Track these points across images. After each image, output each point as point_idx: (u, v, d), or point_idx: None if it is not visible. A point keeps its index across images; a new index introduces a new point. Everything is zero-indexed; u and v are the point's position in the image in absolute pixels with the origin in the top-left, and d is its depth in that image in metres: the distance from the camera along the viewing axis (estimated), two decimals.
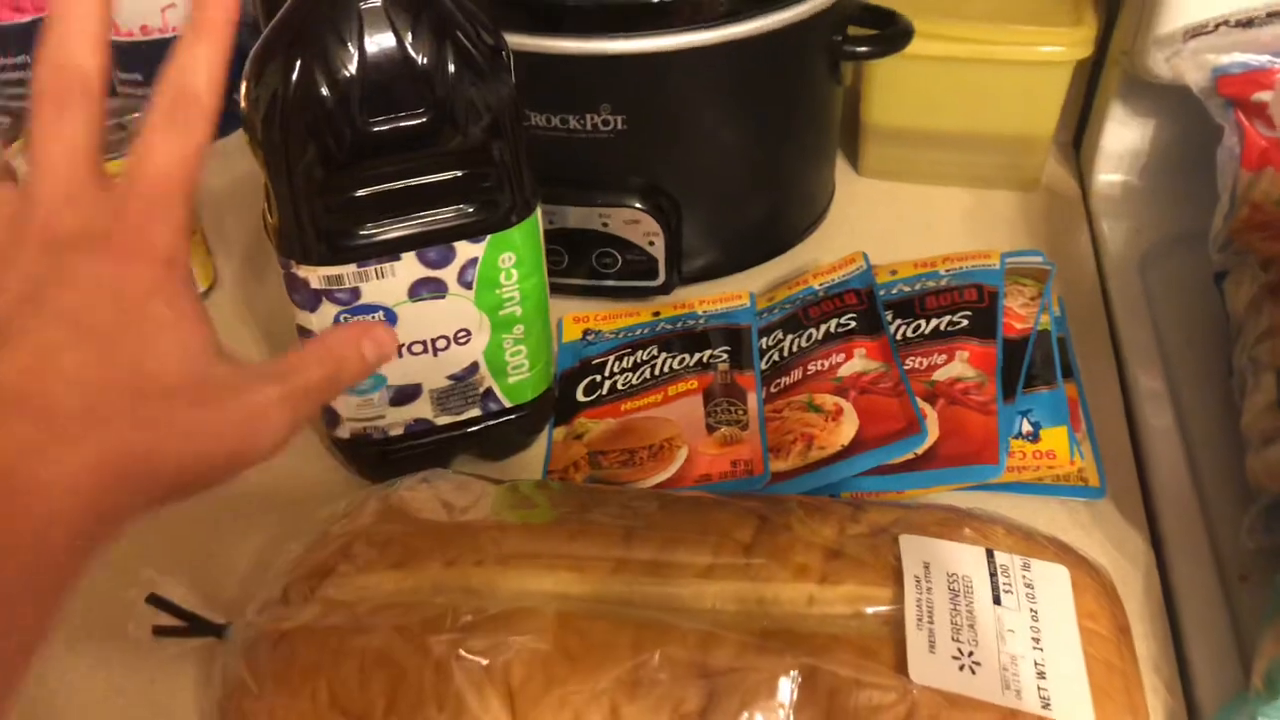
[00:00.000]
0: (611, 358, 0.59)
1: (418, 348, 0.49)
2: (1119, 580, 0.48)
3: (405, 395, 0.51)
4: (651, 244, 0.60)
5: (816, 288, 0.61)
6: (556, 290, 0.63)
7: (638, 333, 0.61)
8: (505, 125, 0.46)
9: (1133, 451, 0.56)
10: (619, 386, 0.57)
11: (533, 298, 0.51)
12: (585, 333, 0.62)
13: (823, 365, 0.55)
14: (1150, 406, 0.57)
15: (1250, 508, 0.49)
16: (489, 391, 0.52)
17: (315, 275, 0.46)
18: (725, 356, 0.58)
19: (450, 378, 0.51)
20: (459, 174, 0.46)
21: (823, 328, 0.57)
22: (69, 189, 0.31)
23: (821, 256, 0.67)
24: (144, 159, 0.31)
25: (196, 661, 0.44)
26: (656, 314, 0.62)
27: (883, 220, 0.71)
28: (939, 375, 0.53)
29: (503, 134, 0.46)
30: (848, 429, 0.51)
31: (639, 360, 0.58)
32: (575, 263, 0.62)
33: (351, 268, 0.46)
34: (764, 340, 0.59)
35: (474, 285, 0.48)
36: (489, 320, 0.50)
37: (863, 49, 0.62)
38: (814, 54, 0.60)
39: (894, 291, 0.60)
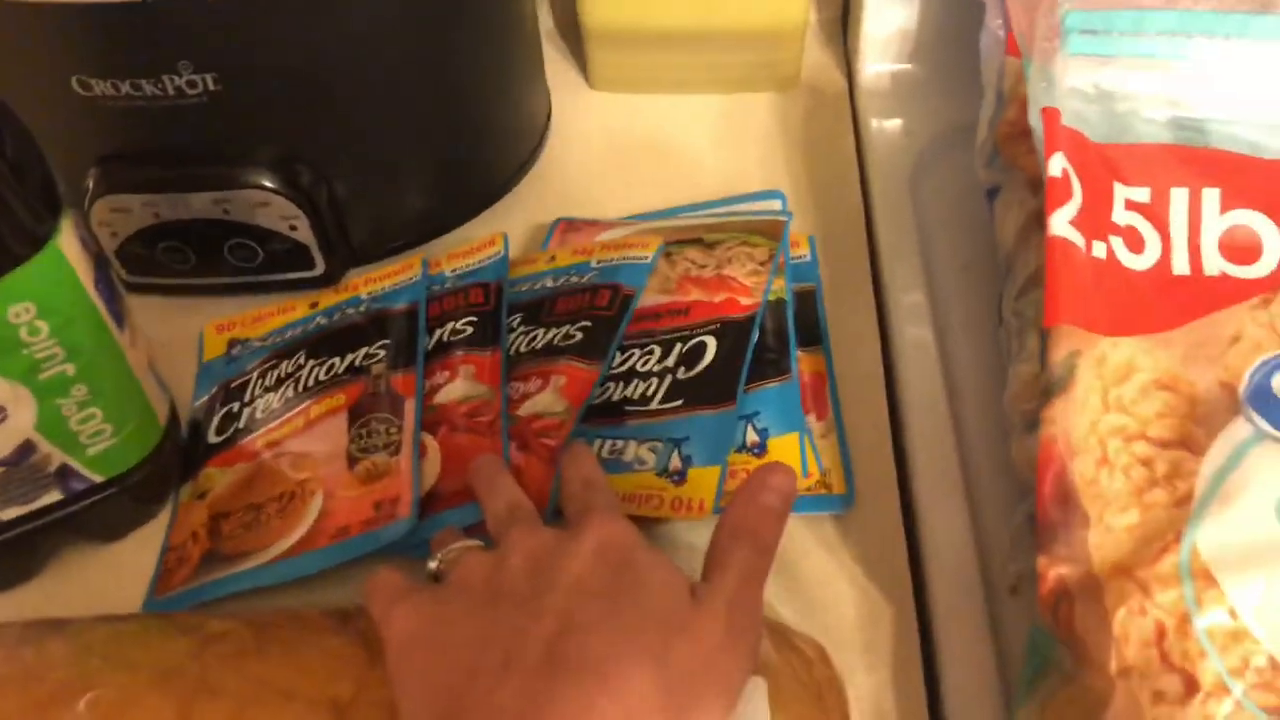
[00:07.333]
0: (255, 375, 0.47)
1: None
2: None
3: None
4: (294, 229, 0.48)
5: (447, 273, 0.50)
6: (196, 292, 0.50)
7: (288, 335, 0.49)
8: None
9: (891, 432, 0.46)
10: (258, 415, 0.45)
11: (90, 347, 0.38)
12: (230, 344, 0.49)
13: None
14: (914, 369, 0.48)
15: (1016, 508, 0.41)
16: (65, 469, 0.40)
17: None
18: (381, 355, 0.46)
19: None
20: None
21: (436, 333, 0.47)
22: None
23: (536, 205, 0.55)
24: None
25: None
26: (314, 305, 0.50)
27: (616, 144, 0.59)
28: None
29: None
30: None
31: (283, 374, 0.46)
32: (206, 262, 0.49)
33: None
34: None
35: None
36: (27, 389, 0.37)
37: None
38: None
39: (537, 288, 0.48)
